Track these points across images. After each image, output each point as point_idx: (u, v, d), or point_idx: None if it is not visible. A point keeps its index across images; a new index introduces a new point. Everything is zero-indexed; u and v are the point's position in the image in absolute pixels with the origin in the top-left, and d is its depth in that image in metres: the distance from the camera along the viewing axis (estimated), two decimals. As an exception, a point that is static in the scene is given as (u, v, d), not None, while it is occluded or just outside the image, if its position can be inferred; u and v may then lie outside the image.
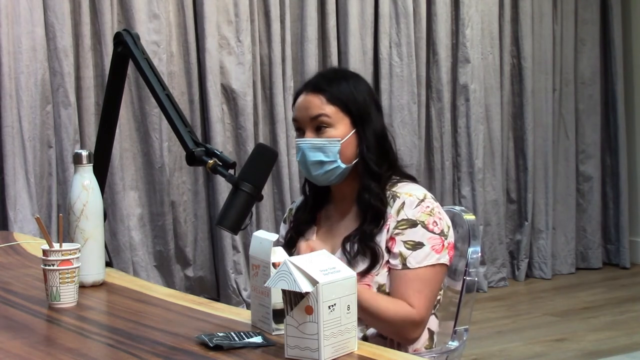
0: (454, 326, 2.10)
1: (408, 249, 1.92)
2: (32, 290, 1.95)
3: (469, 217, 2.17)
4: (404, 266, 1.92)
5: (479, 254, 2.15)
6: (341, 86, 2.00)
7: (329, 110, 1.97)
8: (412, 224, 1.93)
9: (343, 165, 1.97)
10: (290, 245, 2.08)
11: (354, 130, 1.98)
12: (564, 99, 5.54)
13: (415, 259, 1.91)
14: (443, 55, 5.05)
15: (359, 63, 4.74)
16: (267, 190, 4.48)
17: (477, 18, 5.14)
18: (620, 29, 5.63)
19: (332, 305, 1.37)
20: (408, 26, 4.89)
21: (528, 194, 5.38)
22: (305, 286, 1.35)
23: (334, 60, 4.71)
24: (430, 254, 1.92)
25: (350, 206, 2.03)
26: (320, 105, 1.98)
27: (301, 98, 2.02)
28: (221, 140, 4.39)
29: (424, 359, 1.96)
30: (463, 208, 2.23)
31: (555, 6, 5.47)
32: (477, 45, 5.14)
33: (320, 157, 1.97)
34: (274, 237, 1.56)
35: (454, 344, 2.07)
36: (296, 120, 2.02)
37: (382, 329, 1.93)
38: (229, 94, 4.45)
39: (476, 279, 2.12)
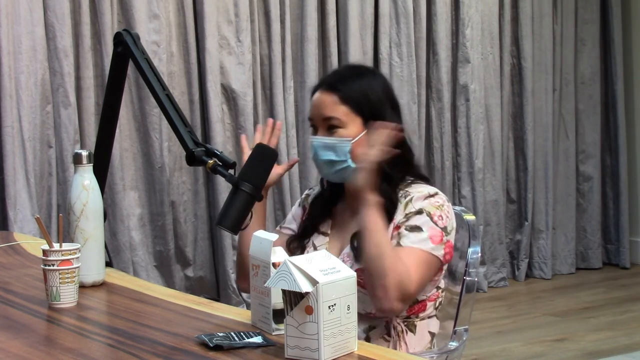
0: (454, 326, 2.10)
1: (406, 230, 1.91)
2: (32, 290, 1.94)
3: (469, 217, 2.17)
4: (398, 244, 1.90)
5: (479, 254, 2.15)
6: (355, 85, 1.99)
7: (341, 111, 1.97)
8: (418, 211, 1.92)
9: (354, 165, 1.96)
10: (304, 236, 2.08)
11: (365, 131, 1.97)
12: (564, 99, 5.54)
13: (410, 239, 1.89)
14: (443, 55, 5.05)
15: (359, 63, 4.74)
16: (267, 190, 4.47)
17: (477, 18, 5.14)
18: (620, 29, 5.63)
19: (332, 305, 1.36)
20: (408, 26, 4.89)
21: (528, 194, 5.38)
22: (305, 286, 1.35)
23: (334, 60, 4.71)
24: (425, 240, 1.89)
25: None
26: (332, 105, 1.97)
27: (316, 96, 2.02)
28: (221, 140, 4.39)
29: (424, 359, 1.95)
30: (463, 208, 2.23)
31: (555, 6, 5.46)
32: (477, 45, 5.14)
33: (331, 156, 1.97)
34: (274, 237, 1.56)
35: (454, 344, 2.07)
36: (310, 119, 2.03)
37: (374, 277, 1.84)
38: (229, 94, 4.45)
39: (476, 279, 2.12)
